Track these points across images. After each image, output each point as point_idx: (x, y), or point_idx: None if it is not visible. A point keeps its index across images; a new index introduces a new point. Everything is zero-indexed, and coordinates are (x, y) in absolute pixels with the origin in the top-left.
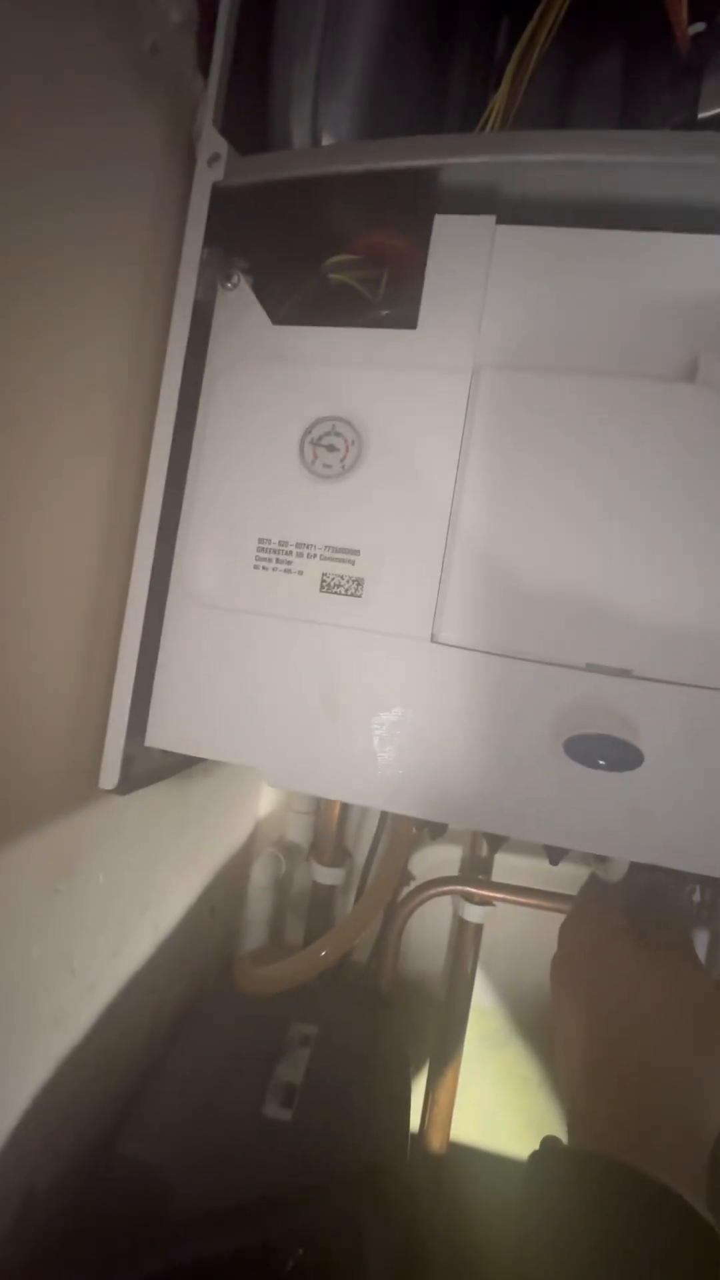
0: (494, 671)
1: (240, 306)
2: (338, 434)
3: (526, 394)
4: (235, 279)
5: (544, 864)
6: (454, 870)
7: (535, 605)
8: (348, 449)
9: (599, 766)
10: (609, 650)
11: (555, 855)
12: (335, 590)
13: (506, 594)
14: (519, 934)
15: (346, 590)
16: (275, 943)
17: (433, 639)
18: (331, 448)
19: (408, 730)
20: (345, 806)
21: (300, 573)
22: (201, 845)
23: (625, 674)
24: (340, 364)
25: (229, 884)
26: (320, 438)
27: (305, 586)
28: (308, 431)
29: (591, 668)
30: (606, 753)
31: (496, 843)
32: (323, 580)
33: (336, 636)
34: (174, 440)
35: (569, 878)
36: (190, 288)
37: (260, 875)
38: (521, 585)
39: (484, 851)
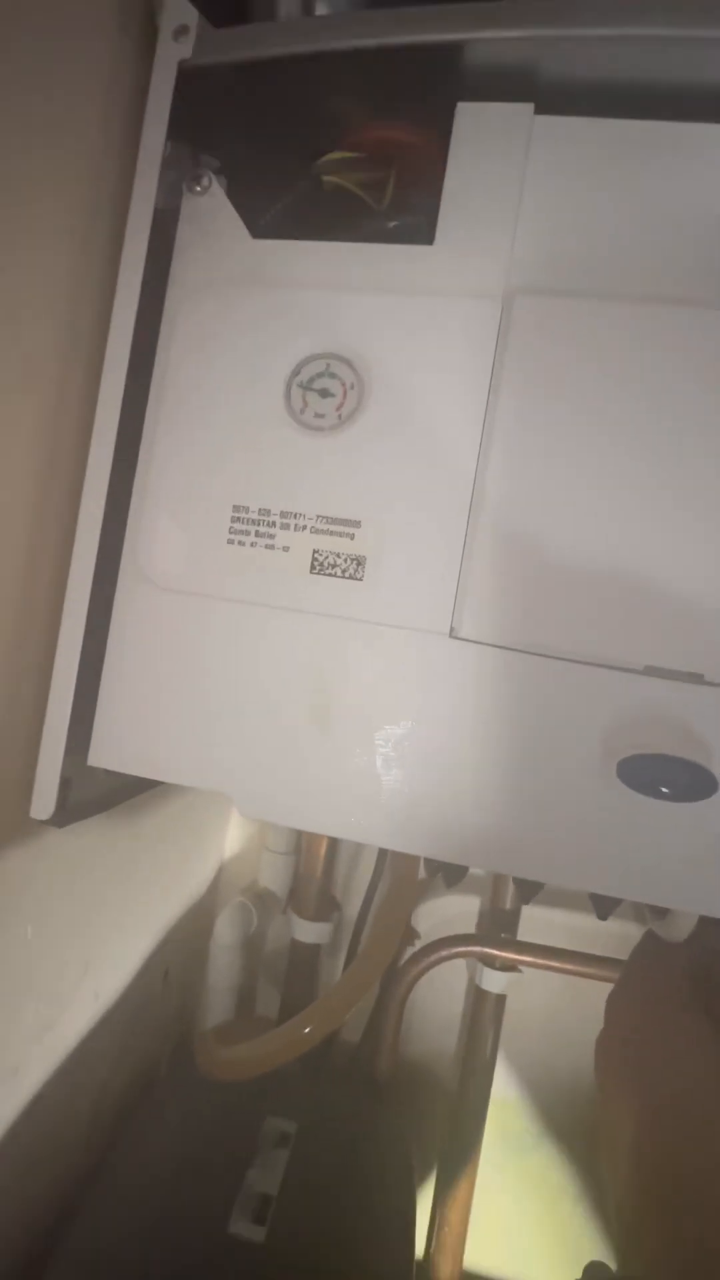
0: (529, 674)
1: (211, 216)
2: (333, 375)
3: (572, 326)
4: (206, 181)
5: (586, 919)
6: (471, 926)
7: (582, 591)
8: (345, 394)
9: (661, 795)
10: (674, 649)
11: (603, 908)
12: (329, 571)
13: (546, 577)
14: (552, 1007)
15: (344, 571)
16: (245, 1015)
17: (452, 633)
18: (325, 393)
19: (418, 748)
20: (334, 844)
21: (285, 549)
22: (155, 892)
23: (696, 679)
24: (336, 288)
25: (188, 941)
26: (311, 380)
27: (291, 566)
28: (295, 372)
29: (652, 671)
30: (671, 778)
31: (527, 892)
32: (314, 559)
33: (330, 629)
34: (128, 381)
35: (618, 937)
36: (150, 191)
37: (226, 931)
38: (565, 566)
39: (509, 903)
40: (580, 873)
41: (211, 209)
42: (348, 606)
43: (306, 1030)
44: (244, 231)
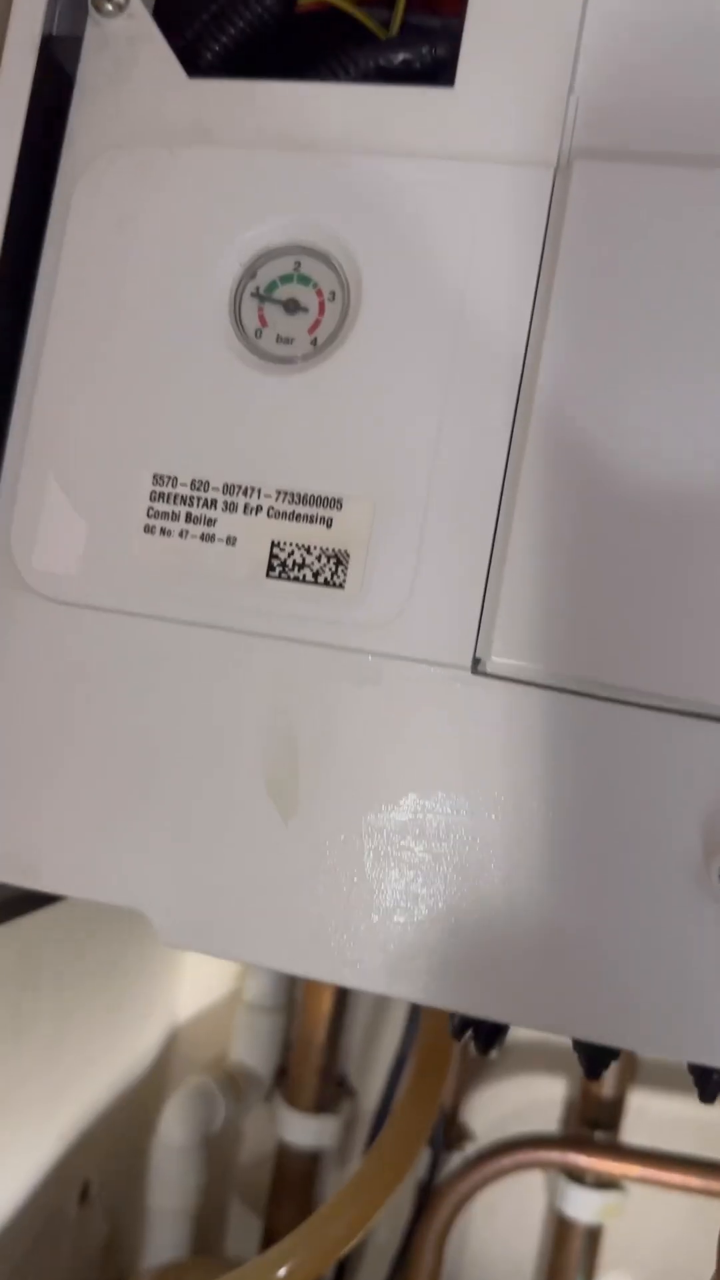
0: (589, 727)
1: (130, 48)
2: (305, 280)
3: (665, 207)
4: None
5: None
6: (550, 1122)
7: (671, 606)
8: (324, 308)
9: None
10: None
11: (709, 1086)
12: (295, 574)
13: (617, 580)
14: (672, 1242)
15: (316, 574)
16: (206, 1252)
17: (476, 667)
18: (293, 305)
19: (427, 840)
20: (344, 996)
21: (230, 540)
22: (65, 1065)
23: None
24: (312, 148)
25: (119, 1141)
26: (272, 287)
27: (239, 566)
28: (249, 274)
29: None
30: None
31: (630, 1068)
32: (272, 555)
33: (294, 661)
34: None
35: None
36: (36, 12)
37: (177, 1126)
38: (644, 568)
39: (608, 1085)
40: (667, 1033)
41: (130, 36)
42: (321, 626)
43: (282, 1273)
44: (177, 68)
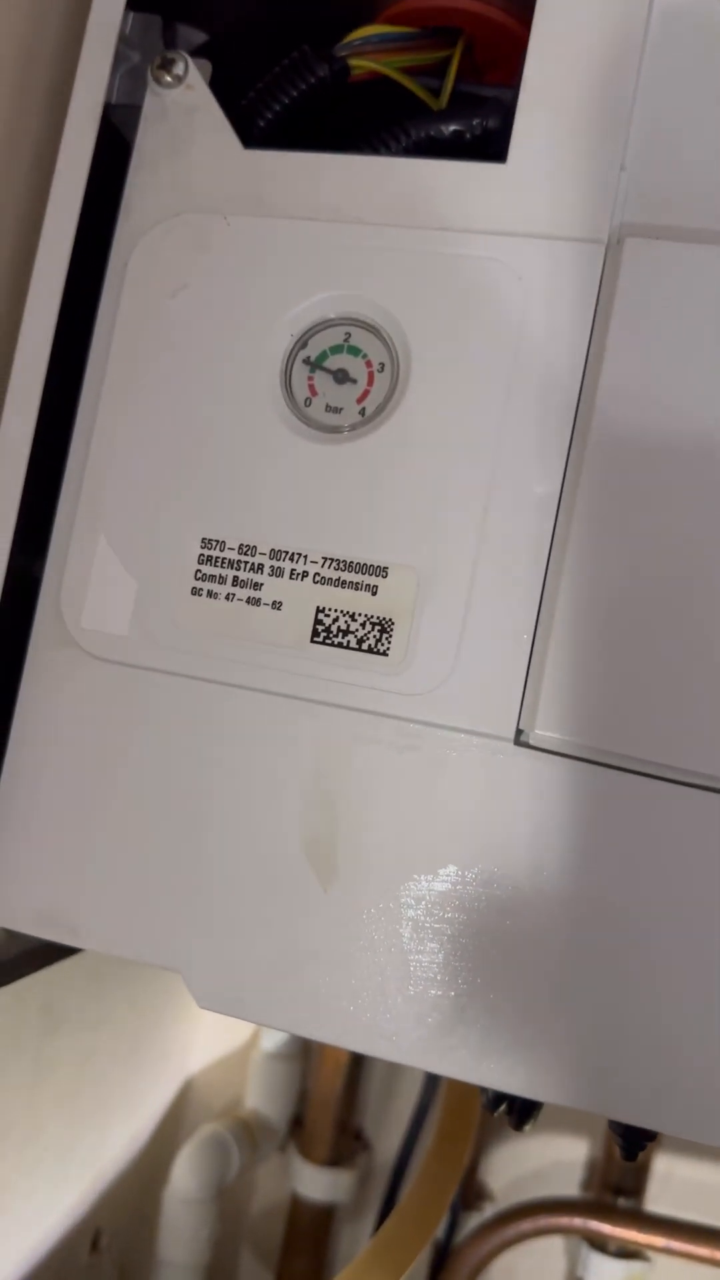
0: (635, 803)
1: (188, 118)
2: (355, 351)
3: (716, 285)
4: (181, 68)
5: None
6: (573, 1185)
7: (718, 683)
8: (373, 379)
9: None
10: None
11: None
12: (340, 640)
13: (661, 660)
14: None
15: (360, 641)
16: None
17: (519, 738)
18: (343, 376)
19: (470, 914)
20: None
21: (276, 605)
22: (79, 1113)
23: None
24: (364, 222)
25: (132, 1191)
26: (323, 357)
27: (284, 631)
28: (300, 344)
29: None
30: None
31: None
32: (318, 621)
33: (338, 726)
34: (54, 354)
35: None
36: (99, 79)
37: (189, 1176)
38: (691, 645)
39: (628, 1154)
40: (711, 1118)
41: (187, 106)
42: (363, 693)
43: None
44: (233, 139)
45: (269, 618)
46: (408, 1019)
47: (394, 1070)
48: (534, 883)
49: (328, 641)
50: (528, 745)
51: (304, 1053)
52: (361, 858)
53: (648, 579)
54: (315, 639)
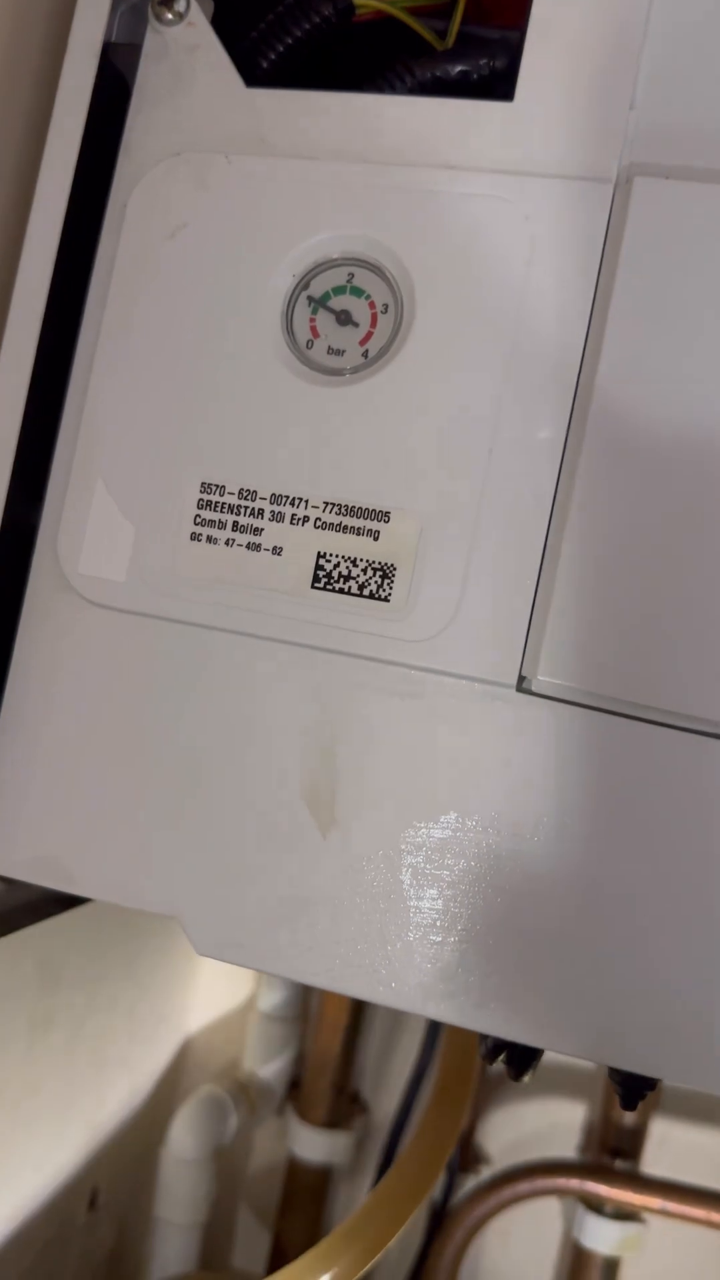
0: (635, 749)
1: (189, 56)
2: (358, 291)
3: None
4: (184, 5)
5: None
6: (570, 1147)
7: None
8: (376, 320)
9: None
10: None
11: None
12: (341, 586)
13: (663, 607)
14: (693, 1277)
15: (362, 587)
16: (212, 1264)
17: (521, 685)
18: (345, 317)
19: (470, 860)
20: (360, 1009)
21: (276, 550)
22: (76, 1070)
23: None
24: (368, 161)
25: (127, 1149)
26: (325, 298)
27: (285, 577)
28: (301, 285)
29: None
30: None
31: (654, 1096)
32: (319, 566)
33: (338, 674)
34: (52, 294)
35: None
36: (99, 18)
37: (187, 1136)
38: (692, 591)
39: (627, 1116)
40: (710, 1066)
41: (189, 44)
42: (366, 640)
43: None
44: (235, 77)
45: (269, 563)
46: (407, 965)
47: (392, 1032)
48: (535, 830)
49: (329, 587)
50: (530, 692)
51: (302, 1015)
52: (361, 804)
53: (652, 525)
54: (316, 585)
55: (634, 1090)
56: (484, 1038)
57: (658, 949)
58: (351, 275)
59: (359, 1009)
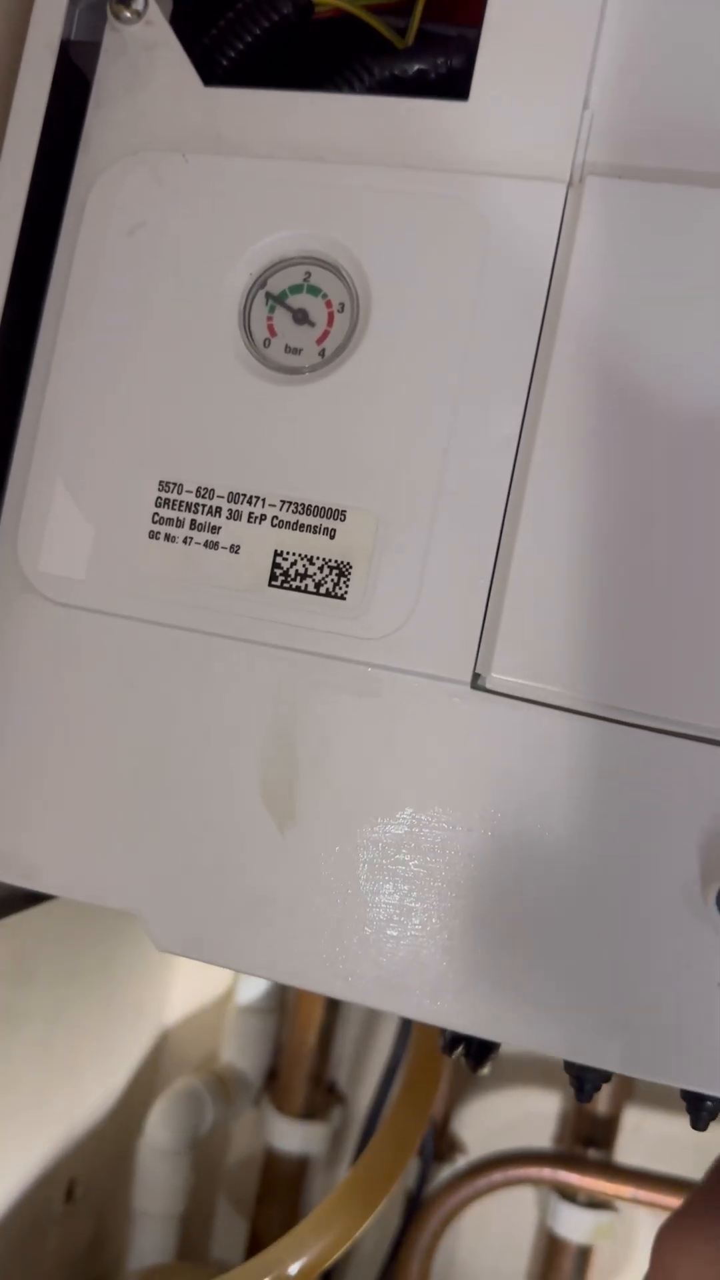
0: (590, 747)
1: (147, 55)
2: (315, 291)
3: (677, 225)
4: (142, 3)
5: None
6: (544, 1137)
7: (670, 628)
8: (333, 319)
9: None
10: None
11: (701, 1113)
12: (298, 584)
13: (615, 605)
14: None
15: (319, 584)
16: (191, 1255)
17: (476, 682)
18: (303, 317)
19: (426, 855)
20: (336, 1004)
21: (233, 548)
22: (52, 1064)
23: None
24: (325, 160)
25: (105, 1141)
26: (283, 295)
27: (242, 575)
28: (259, 284)
29: None
30: None
31: (626, 1086)
32: (275, 565)
33: (296, 670)
34: (9, 298)
35: None
36: (56, 17)
37: (163, 1128)
38: (656, 586)
39: (603, 1102)
40: (659, 1058)
41: (147, 43)
42: (322, 637)
43: None
44: (193, 76)
45: (227, 561)
46: (363, 959)
47: (368, 1025)
48: (490, 826)
49: (286, 585)
50: (485, 689)
51: (279, 1007)
52: (319, 801)
53: (606, 521)
54: (273, 583)
55: (587, 1082)
56: (443, 1030)
57: (610, 944)
58: (309, 274)
59: (334, 1002)
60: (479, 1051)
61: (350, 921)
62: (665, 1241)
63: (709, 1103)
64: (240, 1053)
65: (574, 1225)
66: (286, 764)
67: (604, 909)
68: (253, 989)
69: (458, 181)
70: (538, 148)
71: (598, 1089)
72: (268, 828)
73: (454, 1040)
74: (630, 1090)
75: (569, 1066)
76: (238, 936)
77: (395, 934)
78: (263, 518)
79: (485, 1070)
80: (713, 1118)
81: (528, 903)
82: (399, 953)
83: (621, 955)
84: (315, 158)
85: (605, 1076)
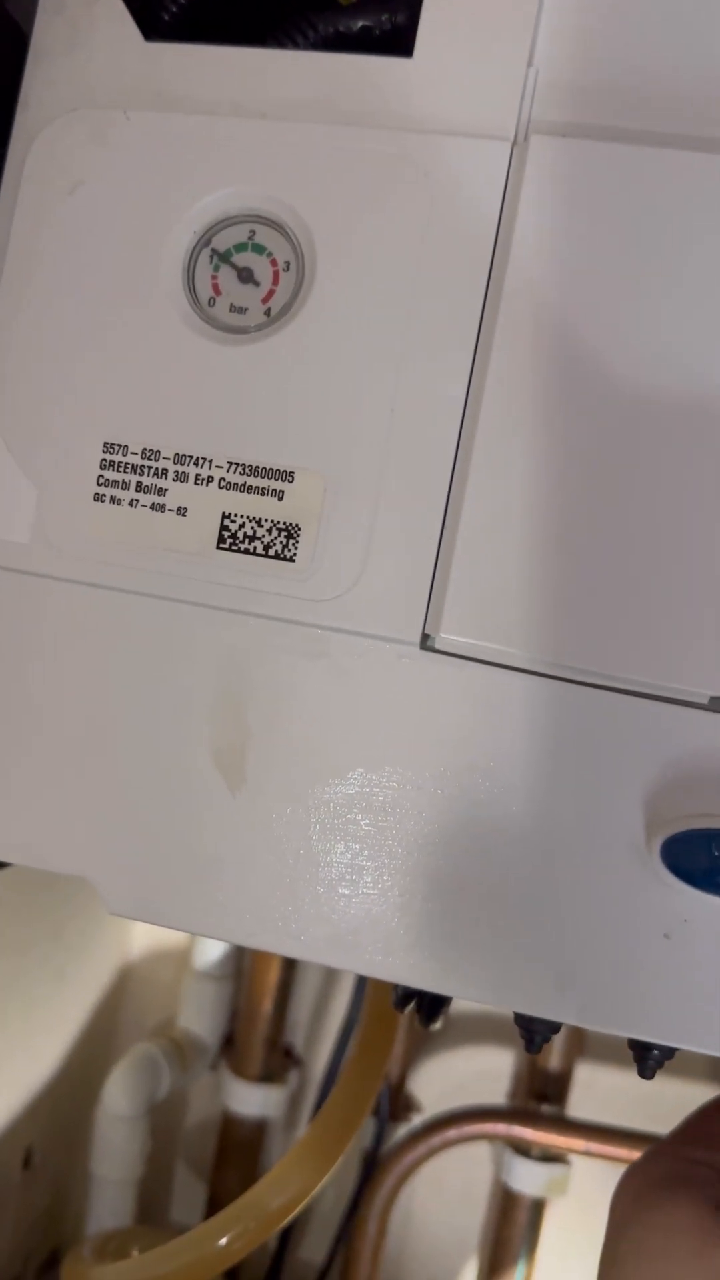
0: (537, 705)
1: (87, 9)
2: (260, 249)
3: (621, 184)
4: None
5: (676, 1084)
6: (498, 1093)
7: (625, 585)
8: (278, 278)
9: None
10: None
11: (648, 1061)
12: (246, 546)
13: (570, 562)
14: None
15: (267, 547)
16: (150, 1219)
17: (425, 643)
18: (247, 275)
19: (377, 814)
20: (292, 968)
21: (181, 511)
22: (8, 1026)
23: None
24: (269, 116)
25: (62, 1108)
26: (228, 254)
27: (190, 536)
28: (202, 242)
29: None
30: None
31: (578, 1042)
32: (223, 527)
33: (245, 633)
34: None
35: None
36: None
37: (121, 1095)
38: (600, 545)
39: (556, 1058)
40: (606, 1008)
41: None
42: (271, 600)
43: (224, 1242)
44: (134, 31)
45: (174, 524)
46: (315, 919)
47: (324, 989)
48: (440, 785)
49: (234, 548)
50: (434, 650)
51: (236, 973)
52: (269, 763)
53: (553, 481)
54: (221, 545)
55: (536, 1033)
56: (395, 987)
57: (559, 898)
58: (253, 232)
59: (291, 966)
60: (430, 1006)
61: (302, 881)
62: (625, 1191)
63: (655, 1051)
64: (197, 1018)
65: (528, 1179)
66: (237, 726)
67: (553, 864)
68: (209, 955)
69: (401, 139)
70: (482, 105)
71: (547, 1040)
72: (219, 790)
73: (406, 995)
74: (582, 1046)
75: (518, 1019)
76: (190, 898)
77: (347, 892)
78: (210, 479)
79: (437, 1025)
80: (659, 1066)
81: (478, 859)
82: (351, 910)
83: (570, 908)
84: (258, 114)
85: (554, 1028)
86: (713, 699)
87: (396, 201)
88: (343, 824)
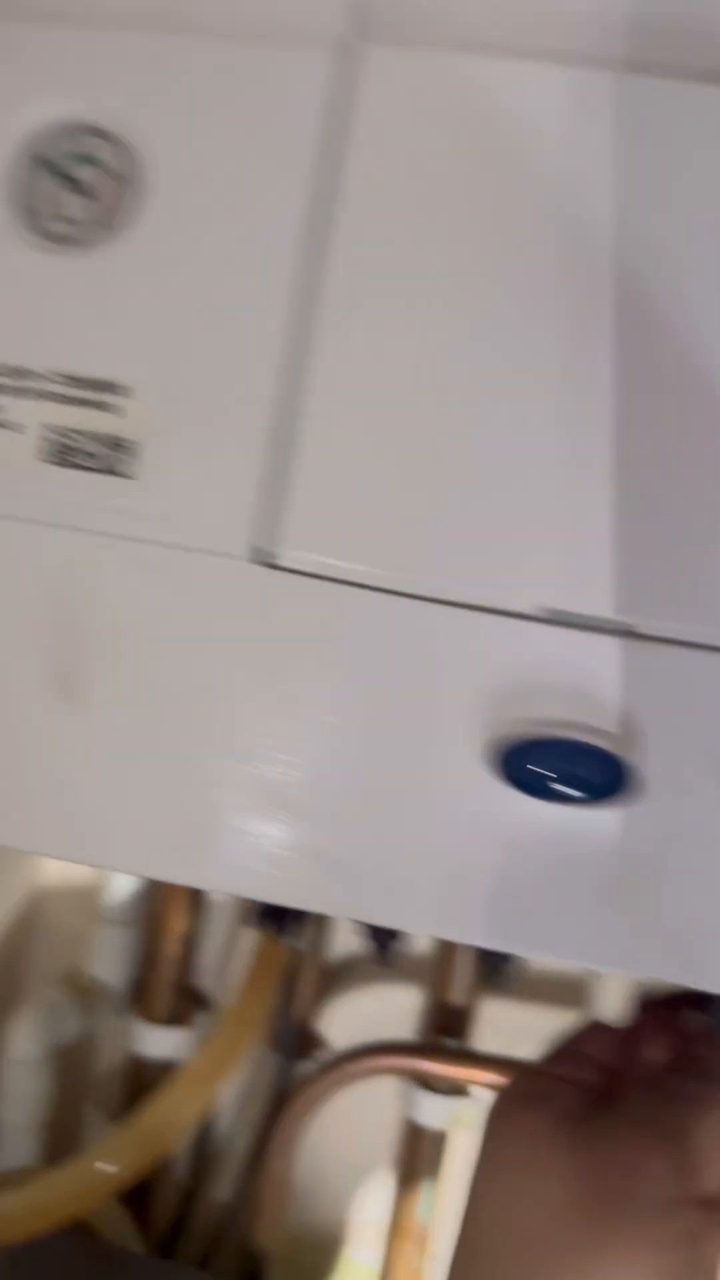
0: (371, 620)
1: None
2: (92, 160)
3: (459, 96)
4: None
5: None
6: (407, 1032)
7: (457, 496)
8: (110, 189)
9: (556, 796)
10: (592, 588)
11: (494, 970)
12: (77, 461)
13: (403, 474)
14: None
15: (100, 462)
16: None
17: (257, 556)
18: (78, 186)
19: (207, 726)
20: (198, 909)
21: (13, 425)
22: None
23: (624, 632)
24: (100, 23)
25: None
26: (58, 163)
27: (19, 451)
28: (33, 151)
29: (557, 617)
30: (572, 770)
31: (485, 974)
32: (55, 441)
33: (81, 549)
34: None
35: None
36: None
37: (27, 1040)
38: (433, 456)
39: (460, 993)
40: (444, 913)
41: None
42: (105, 516)
43: (106, 1166)
44: None
45: (4, 439)
46: (163, 836)
47: (233, 929)
48: (281, 701)
49: (65, 463)
50: (271, 565)
51: (145, 918)
52: (109, 683)
53: (394, 393)
54: (52, 460)
55: (381, 941)
56: (253, 903)
57: (405, 809)
58: (84, 143)
59: (197, 910)
60: (279, 921)
61: (149, 800)
62: (492, 1109)
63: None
64: (105, 964)
65: (433, 1113)
66: (75, 645)
67: (385, 774)
68: (118, 901)
69: (235, 49)
70: (311, 13)
71: (387, 948)
72: (54, 706)
73: (265, 911)
74: (486, 983)
75: (368, 929)
76: (31, 818)
77: (193, 810)
78: (39, 393)
79: (288, 939)
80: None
81: (320, 773)
82: (197, 826)
83: (417, 819)
84: (86, 22)
85: (394, 934)
86: (550, 610)
87: (228, 113)
88: (179, 742)
